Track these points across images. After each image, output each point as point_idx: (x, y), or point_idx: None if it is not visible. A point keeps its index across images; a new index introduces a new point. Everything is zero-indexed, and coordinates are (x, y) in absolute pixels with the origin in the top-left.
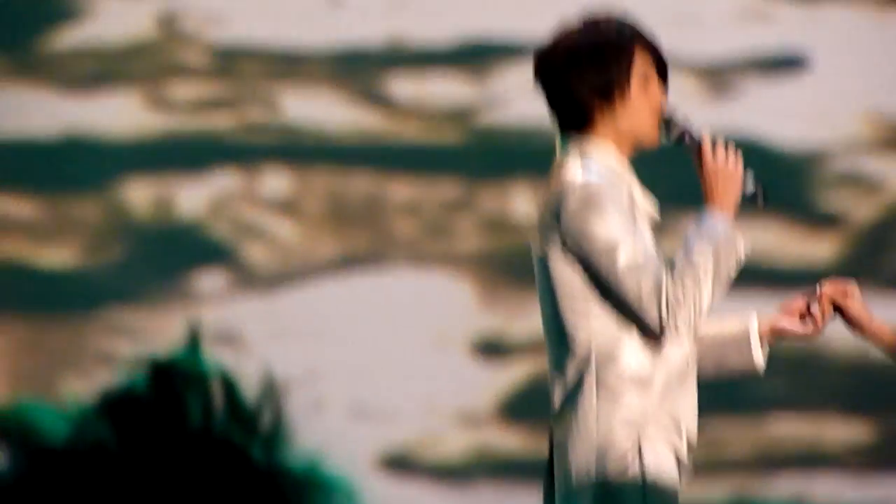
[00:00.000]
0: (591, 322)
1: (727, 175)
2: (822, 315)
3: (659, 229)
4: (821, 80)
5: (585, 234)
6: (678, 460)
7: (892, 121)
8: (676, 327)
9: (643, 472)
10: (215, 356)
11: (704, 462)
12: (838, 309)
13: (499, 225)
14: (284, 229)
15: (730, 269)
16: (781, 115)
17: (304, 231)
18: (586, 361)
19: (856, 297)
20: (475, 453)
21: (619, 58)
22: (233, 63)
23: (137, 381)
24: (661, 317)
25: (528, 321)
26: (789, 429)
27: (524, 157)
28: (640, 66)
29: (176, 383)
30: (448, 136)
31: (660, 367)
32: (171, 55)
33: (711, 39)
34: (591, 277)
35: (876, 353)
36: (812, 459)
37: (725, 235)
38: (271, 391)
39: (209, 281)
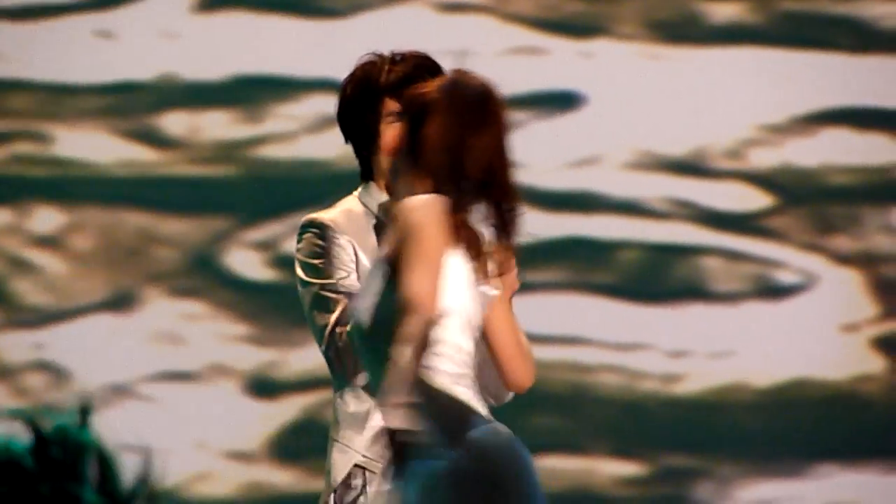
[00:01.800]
0: None
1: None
2: None
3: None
4: (594, 117)
5: (296, 270)
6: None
7: (661, 158)
8: (347, 370)
9: (356, 501)
10: (99, 430)
11: None
12: None
13: (272, 260)
14: (54, 265)
15: None
16: (554, 152)
17: (73, 267)
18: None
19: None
20: (246, 490)
21: (370, 107)
22: (2, 98)
23: (14, 443)
24: (330, 357)
25: (301, 357)
26: (559, 465)
27: (297, 194)
28: (390, 110)
29: (53, 450)
30: (220, 172)
31: (376, 409)
32: None
33: (484, 75)
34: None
35: (646, 390)
36: (583, 498)
37: None
38: (148, 473)
39: None
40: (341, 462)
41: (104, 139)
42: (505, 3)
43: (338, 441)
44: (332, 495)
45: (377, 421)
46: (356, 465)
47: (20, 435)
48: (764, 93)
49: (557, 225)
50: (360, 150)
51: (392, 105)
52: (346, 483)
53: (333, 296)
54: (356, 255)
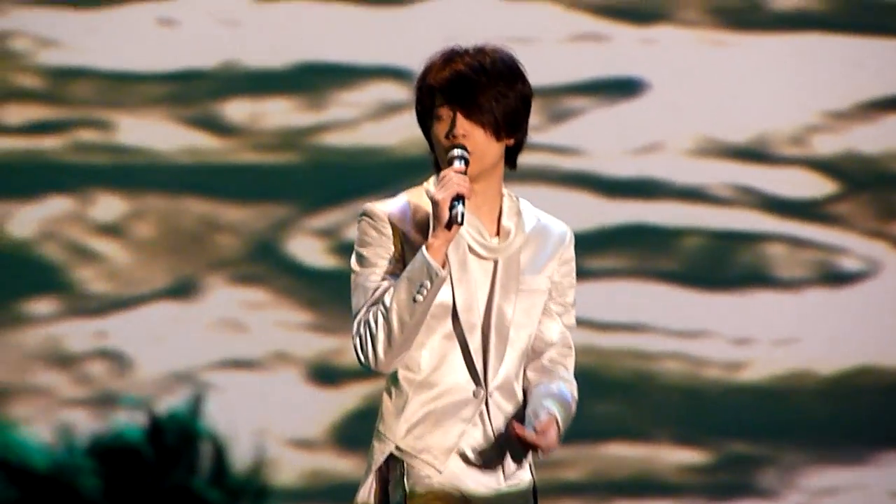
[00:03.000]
0: None
1: (435, 202)
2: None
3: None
4: (656, 103)
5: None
6: (446, 494)
7: (724, 145)
8: (366, 355)
9: (383, 487)
10: (211, 419)
11: (541, 487)
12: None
13: (333, 247)
14: (116, 253)
15: (419, 295)
16: (616, 139)
17: (136, 255)
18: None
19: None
20: (309, 478)
21: (422, 100)
22: (65, 85)
23: (130, 430)
24: (354, 343)
25: None
26: (623, 452)
27: (358, 181)
28: (438, 106)
29: (168, 438)
30: (282, 160)
31: (416, 398)
32: (2, 78)
33: (546, 62)
34: None
35: (709, 377)
36: (646, 485)
37: (417, 266)
38: (262, 464)
39: (41, 305)
40: (378, 450)
41: (166, 127)
42: None
43: (378, 430)
44: (367, 481)
45: (411, 413)
46: (394, 456)
47: (133, 423)
48: (827, 79)
49: (620, 212)
50: (428, 142)
51: (440, 101)
52: (386, 471)
53: (370, 285)
54: (402, 247)
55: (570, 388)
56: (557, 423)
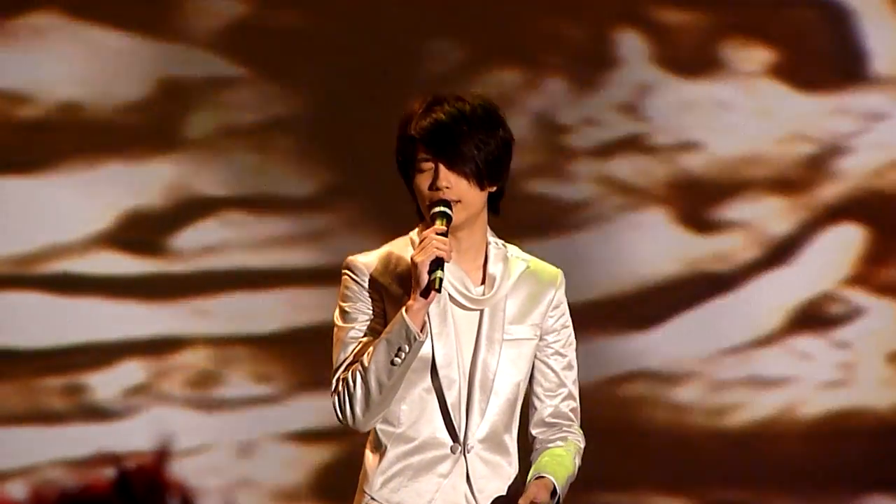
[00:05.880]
0: None
1: (414, 264)
2: None
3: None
4: None
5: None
6: None
7: None
8: (344, 414)
9: None
10: (182, 470)
11: None
12: None
13: (310, 303)
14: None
15: (397, 358)
16: None
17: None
18: None
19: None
20: None
21: (403, 150)
22: None
23: (99, 483)
24: (332, 400)
25: None
26: (609, 502)
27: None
28: (420, 156)
29: (136, 490)
30: None
31: (393, 451)
32: None
33: None
34: None
35: (693, 424)
36: None
37: (396, 328)
38: None
39: None
40: (360, 501)
41: None
42: None
43: (359, 483)
44: None
45: (387, 466)
46: None
47: (103, 475)
48: None
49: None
50: (410, 190)
51: (421, 149)
52: None
53: (349, 341)
54: (383, 300)
55: (573, 441)
56: (555, 486)
